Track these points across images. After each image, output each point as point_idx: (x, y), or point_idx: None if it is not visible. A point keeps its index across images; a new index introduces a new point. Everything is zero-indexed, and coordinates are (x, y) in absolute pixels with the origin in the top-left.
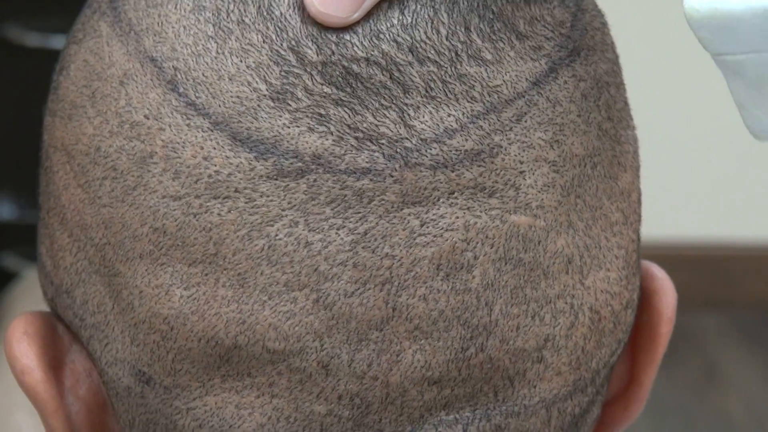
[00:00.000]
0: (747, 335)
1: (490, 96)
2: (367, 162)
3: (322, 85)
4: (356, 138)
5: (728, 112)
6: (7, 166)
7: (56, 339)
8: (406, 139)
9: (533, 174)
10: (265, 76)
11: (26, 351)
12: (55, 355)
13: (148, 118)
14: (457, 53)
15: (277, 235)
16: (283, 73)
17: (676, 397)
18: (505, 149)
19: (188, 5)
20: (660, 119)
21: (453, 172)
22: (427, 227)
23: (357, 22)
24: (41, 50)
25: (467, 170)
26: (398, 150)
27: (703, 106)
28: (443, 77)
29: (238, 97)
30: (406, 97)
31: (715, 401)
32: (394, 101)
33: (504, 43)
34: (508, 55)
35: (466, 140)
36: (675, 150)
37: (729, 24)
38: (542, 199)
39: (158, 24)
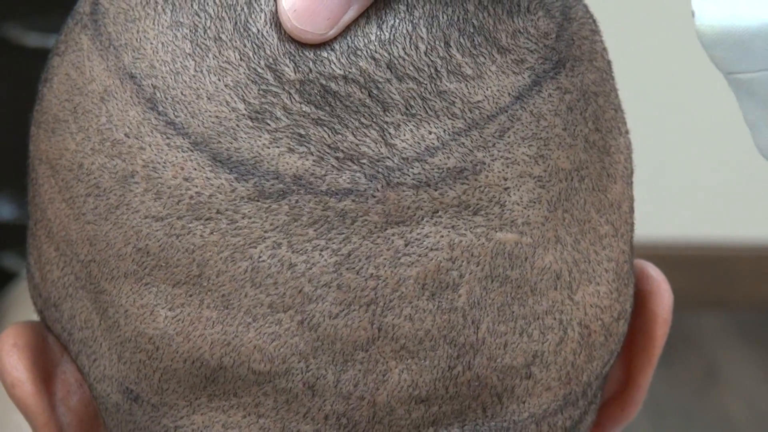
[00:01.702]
0: (747, 335)
1: (471, 112)
2: (348, 182)
3: (300, 104)
4: (337, 158)
5: (728, 112)
6: (7, 166)
7: (47, 350)
8: (388, 158)
9: (518, 190)
10: (243, 96)
11: (16, 364)
12: (46, 367)
13: (128, 137)
14: (436, 69)
15: (260, 257)
16: (261, 92)
17: (676, 397)
18: (489, 166)
19: (166, 21)
20: (659, 119)
21: (436, 190)
22: (412, 247)
23: (334, 39)
24: (41, 50)
25: (450, 188)
26: (380, 170)
27: (703, 106)
28: (423, 94)
29: (217, 116)
30: (386, 115)
31: (715, 401)
32: (374, 119)
33: (485, 58)
34: (489, 70)
35: (449, 158)
36: (675, 150)
37: (742, 42)
38: (528, 216)
39: (137, 40)
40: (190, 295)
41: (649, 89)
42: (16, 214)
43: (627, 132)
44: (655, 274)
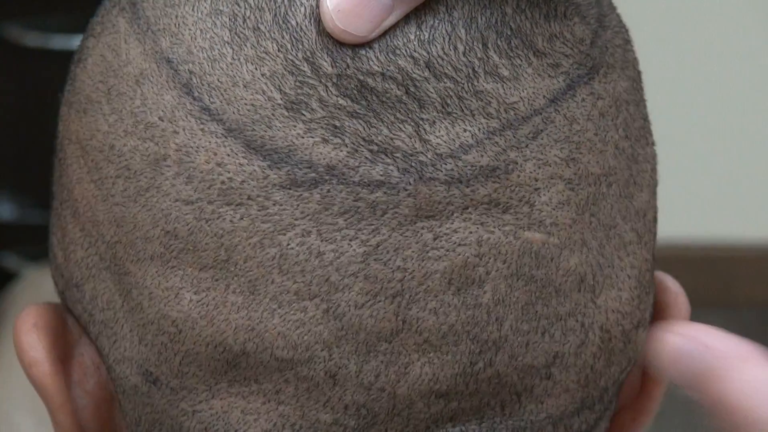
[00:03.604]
0: (747, 335)
1: (506, 112)
2: (381, 175)
3: (336, 97)
4: (371, 151)
5: (728, 112)
6: (7, 166)
7: (65, 331)
8: (421, 153)
9: (548, 191)
10: (279, 86)
11: (35, 343)
12: (64, 348)
13: (162, 120)
14: (474, 69)
15: (289, 244)
16: (297, 83)
17: (677, 397)
18: (521, 166)
19: (205, 8)
20: (659, 120)
21: (468, 187)
22: (440, 241)
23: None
24: (41, 50)
25: (482, 186)
26: (413, 164)
27: (702, 106)
28: (460, 93)
29: (252, 105)
30: (422, 112)
31: None
32: (410, 115)
33: (521, 60)
34: (526, 72)
35: (482, 156)
36: (674, 150)
37: None
38: (556, 217)
39: (175, 25)
40: (216, 280)
41: (648, 90)
42: (16, 214)
43: (653, 143)
44: (673, 286)
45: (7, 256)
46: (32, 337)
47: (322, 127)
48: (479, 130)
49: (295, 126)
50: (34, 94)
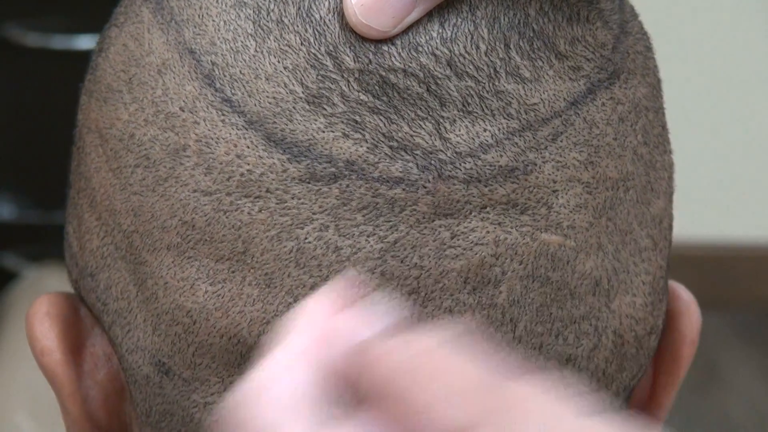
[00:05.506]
0: (747, 335)
1: (526, 113)
2: (400, 171)
3: (358, 92)
4: (391, 147)
5: (728, 112)
6: (7, 166)
7: (78, 321)
8: (441, 151)
9: (566, 194)
10: (301, 79)
11: (47, 332)
12: (76, 338)
13: (183, 111)
14: (495, 69)
15: (306, 238)
16: (319, 77)
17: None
18: (540, 167)
19: (230, 0)
20: None
21: (486, 187)
22: (457, 240)
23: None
24: (41, 50)
25: (500, 186)
26: (432, 162)
27: (702, 106)
28: (480, 92)
29: (274, 97)
30: (443, 110)
31: (715, 401)
32: (431, 113)
33: (543, 62)
34: (547, 74)
35: (501, 156)
36: (674, 151)
37: None
38: (574, 220)
39: (199, 16)
40: (233, 272)
41: None
42: (16, 214)
43: (671, 151)
44: (685, 295)
45: (7, 256)
46: (45, 325)
47: (342, 122)
48: (499, 130)
49: (316, 120)
50: (34, 94)
